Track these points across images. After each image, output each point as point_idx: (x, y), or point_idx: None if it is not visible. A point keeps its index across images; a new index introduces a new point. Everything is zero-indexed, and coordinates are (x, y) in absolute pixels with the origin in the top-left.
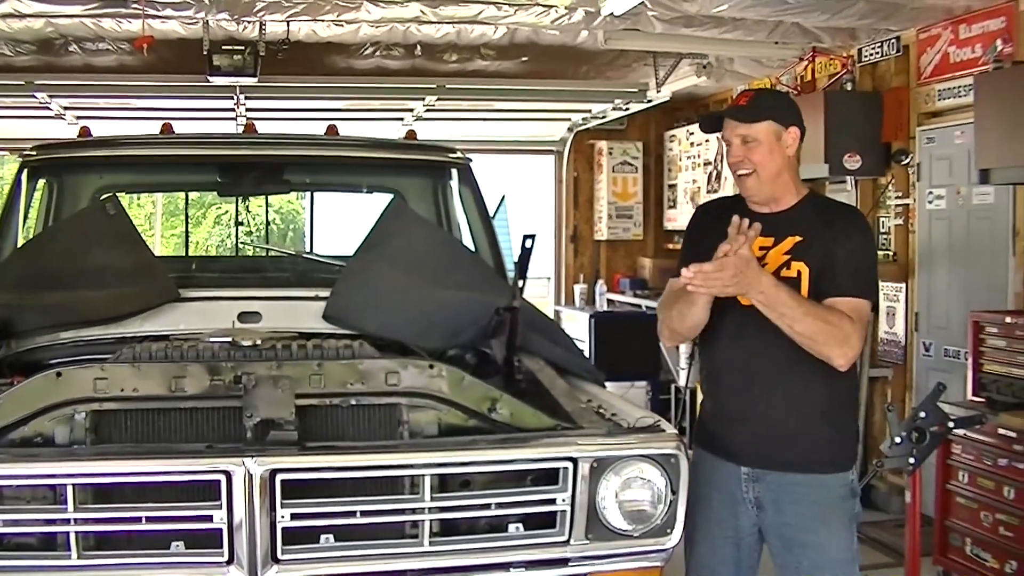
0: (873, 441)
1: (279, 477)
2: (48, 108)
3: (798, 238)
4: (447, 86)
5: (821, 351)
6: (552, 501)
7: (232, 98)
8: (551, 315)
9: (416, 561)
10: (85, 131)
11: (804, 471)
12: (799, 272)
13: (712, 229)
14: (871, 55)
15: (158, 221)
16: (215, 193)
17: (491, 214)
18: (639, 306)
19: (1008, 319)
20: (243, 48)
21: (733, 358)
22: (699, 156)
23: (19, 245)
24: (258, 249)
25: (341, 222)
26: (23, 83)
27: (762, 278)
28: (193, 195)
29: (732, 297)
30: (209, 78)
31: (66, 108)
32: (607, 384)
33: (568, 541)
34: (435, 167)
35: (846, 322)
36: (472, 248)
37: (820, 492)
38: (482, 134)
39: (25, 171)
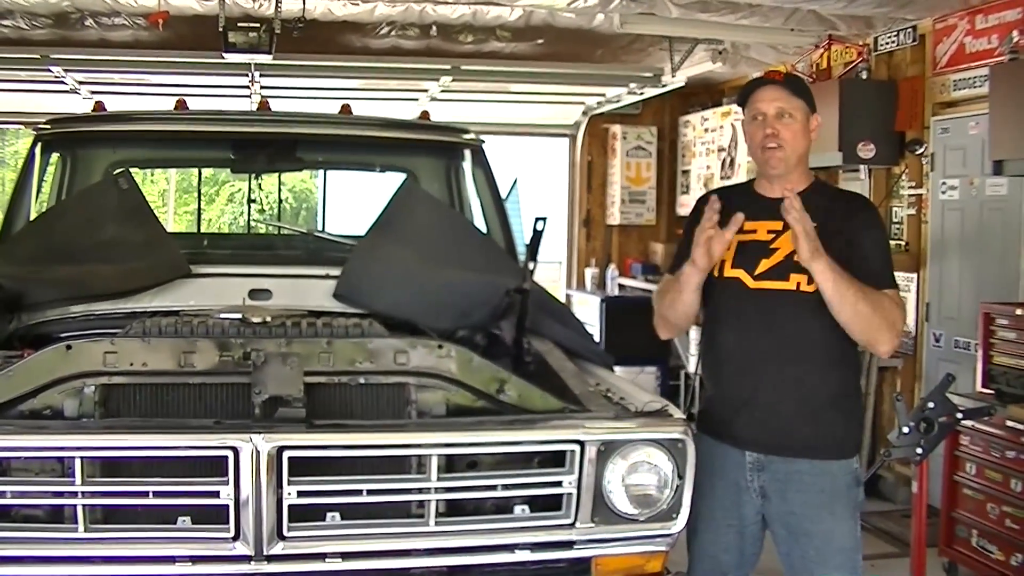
0: (881, 431)
1: (286, 454)
2: (63, 82)
3: (811, 224)
4: (462, 67)
5: (872, 335)
6: (558, 484)
7: (247, 76)
8: (562, 299)
9: (421, 541)
10: (99, 106)
11: (810, 458)
12: None
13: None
14: (887, 44)
15: (171, 198)
16: (228, 170)
17: (503, 196)
18: (650, 291)
19: (1019, 311)
20: (259, 26)
21: (738, 344)
22: (713, 142)
23: (32, 218)
24: (270, 227)
25: (353, 201)
26: (38, 57)
27: (825, 255)
28: (207, 172)
29: (737, 282)
30: (224, 55)
31: (81, 83)
32: (617, 368)
33: (574, 524)
34: (448, 148)
35: (895, 309)
36: (484, 230)
37: (825, 480)
38: (496, 116)
39: (39, 145)
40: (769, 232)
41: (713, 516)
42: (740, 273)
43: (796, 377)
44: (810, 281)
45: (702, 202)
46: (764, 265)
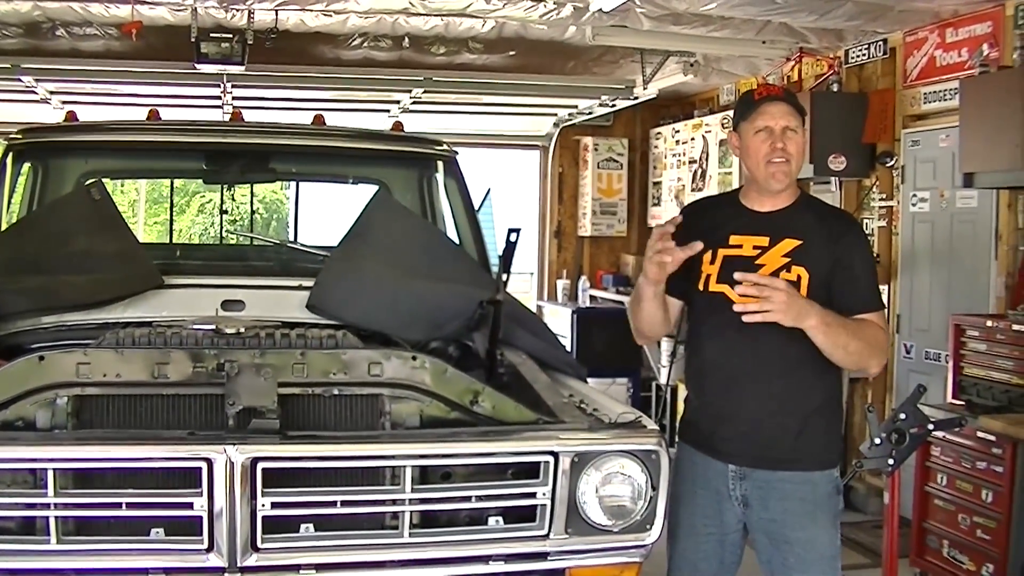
0: (853, 442)
1: (260, 465)
2: (34, 92)
3: (797, 241)
4: (434, 78)
5: (862, 364)
6: (532, 495)
7: (219, 86)
8: (534, 310)
9: (396, 552)
10: (71, 115)
11: (793, 469)
12: (799, 276)
13: (698, 220)
14: (858, 56)
15: (141, 208)
16: (200, 181)
17: (476, 207)
18: (621, 303)
19: (989, 323)
20: (231, 36)
21: (722, 358)
22: (684, 154)
23: (3, 228)
24: (242, 237)
25: (325, 212)
26: (9, 66)
27: (811, 307)
28: (177, 183)
29: (721, 297)
30: (196, 65)
31: (52, 92)
32: (589, 380)
33: (548, 535)
34: (421, 159)
35: (880, 333)
36: (456, 241)
37: (807, 489)
38: (468, 127)
39: (10, 154)
40: (755, 248)
41: (694, 524)
42: (725, 288)
43: (779, 391)
44: None
45: (687, 211)
46: None
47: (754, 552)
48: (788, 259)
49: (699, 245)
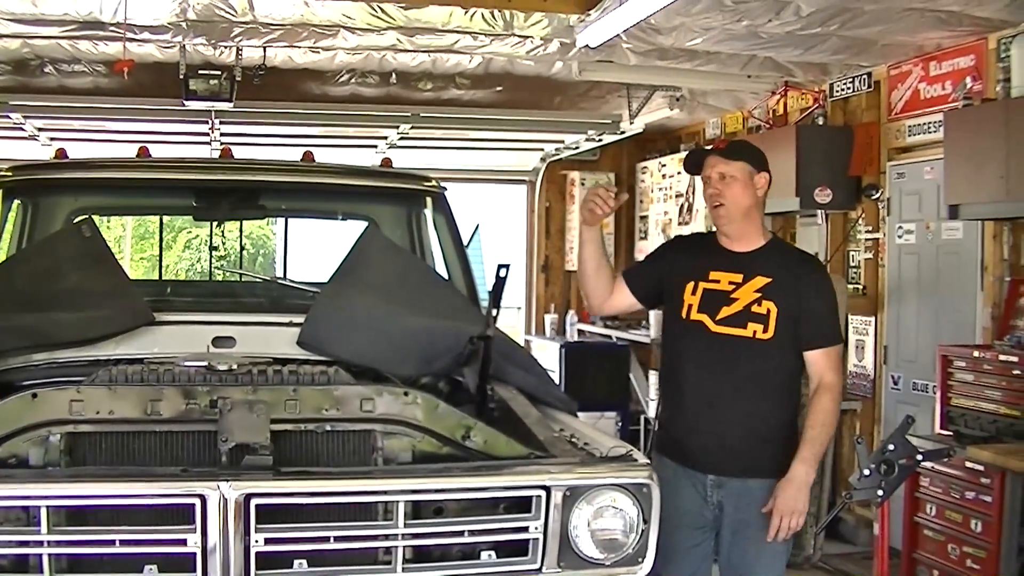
0: (842, 473)
1: (254, 502)
2: (22, 129)
3: (767, 279)
4: (421, 114)
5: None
6: (525, 529)
7: (207, 122)
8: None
9: None
10: (61, 152)
11: (763, 476)
12: (768, 310)
13: (681, 255)
14: (842, 90)
15: (127, 244)
16: (189, 217)
17: (465, 243)
18: (610, 337)
19: (976, 353)
20: (219, 73)
21: (701, 380)
22: (671, 188)
23: None
24: (232, 274)
25: (314, 248)
26: None
27: (803, 475)
28: (165, 219)
29: (700, 325)
30: (185, 102)
31: (40, 129)
32: (578, 414)
33: (540, 569)
34: (410, 195)
35: (836, 389)
36: (446, 276)
37: (771, 494)
38: (456, 163)
39: (0, 192)
40: (730, 283)
41: (680, 524)
42: (703, 317)
43: (751, 410)
44: (765, 330)
45: (677, 240)
46: (725, 312)
47: (715, 550)
48: (759, 294)
49: (625, 196)
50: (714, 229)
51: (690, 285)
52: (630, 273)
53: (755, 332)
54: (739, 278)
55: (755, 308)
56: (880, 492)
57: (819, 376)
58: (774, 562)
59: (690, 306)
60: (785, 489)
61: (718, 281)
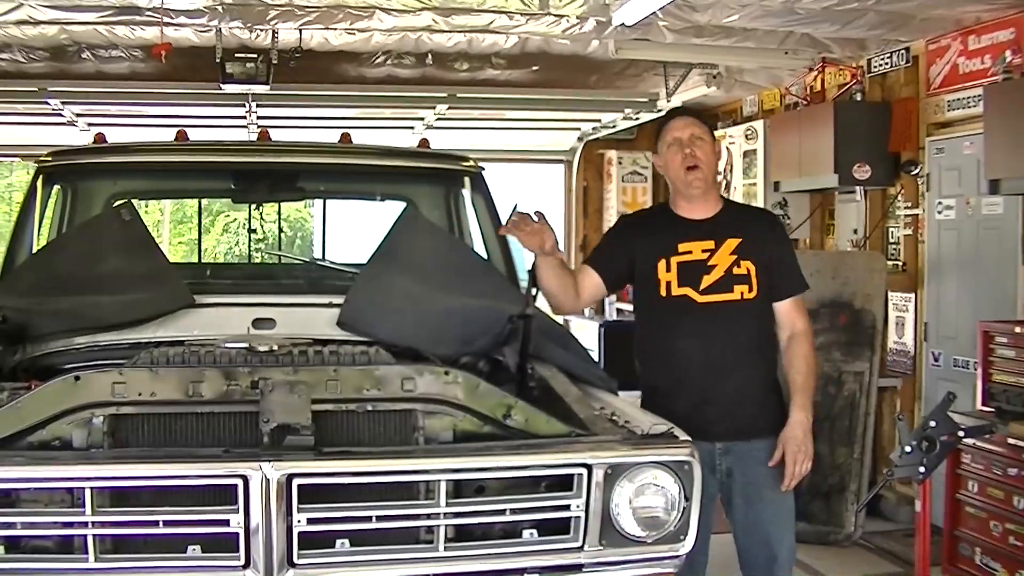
0: (882, 451)
1: (296, 482)
2: (61, 115)
3: (738, 239)
4: (458, 95)
5: None
6: (566, 507)
7: (244, 106)
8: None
9: (431, 566)
10: (100, 137)
11: (764, 437)
12: (748, 269)
13: (641, 234)
14: (880, 65)
15: (166, 228)
16: (226, 200)
17: (503, 222)
18: None
19: (1017, 329)
20: (255, 56)
21: (697, 352)
22: None
23: (34, 250)
24: (271, 256)
25: (351, 230)
26: (36, 89)
27: (804, 420)
28: (202, 203)
29: (686, 299)
30: (221, 86)
31: (78, 115)
32: (618, 393)
33: (582, 547)
34: (448, 175)
35: (810, 333)
36: (485, 256)
37: (773, 453)
38: (492, 143)
39: (41, 177)
40: (704, 251)
41: None
42: (687, 291)
43: (748, 373)
44: (751, 289)
45: (622, 220)
46: (707, 281)
47: (727, 517)
48: (735, 256)
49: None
50: (659, 203)
51: (662, 263)
52: (597, 262)
53: (742, 293)
54: (711, 244)
55: (736, 270)
56: (921, 469)
57: (791, 324)
58: (789, 519)
59: (668, 283)
60: (792, 437)
61: (690, 252)
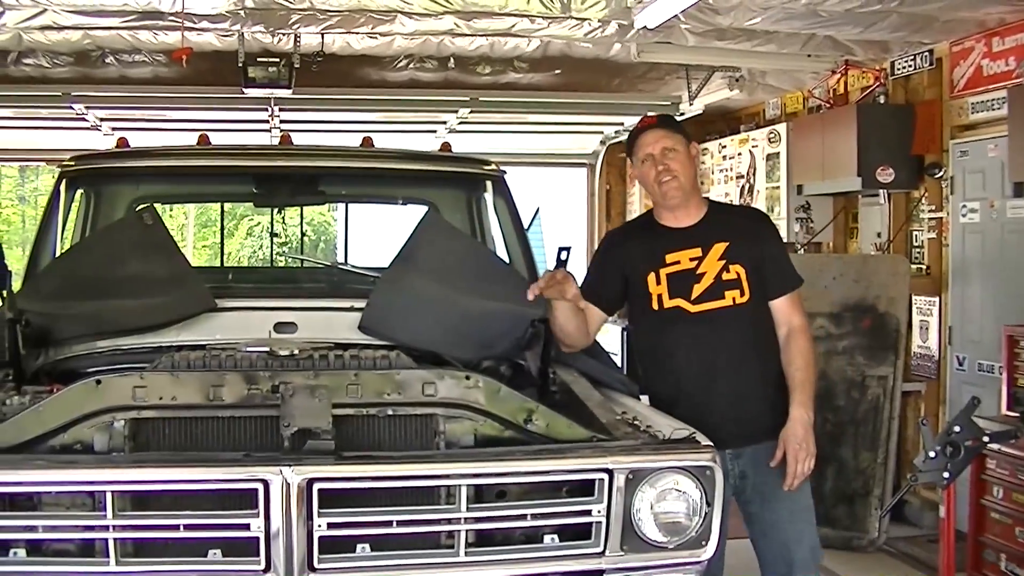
0: (906, 456)
1: (316, 486)
2: (84, 119)
3: (725, 243)
4: (480, 98)
5: None
6: (588, 512)
7: (266, 110)
8: None
9: (452, 571)
10: (123, 142)
11: (773, 437)
12: (738, 274)
13: (627, 249)
14: (904, 68)
15: (190, 232)
16: (250, 204)
17: (525, 226)
18: None
19: None
20: (278, 60)
21: (696, 361)
22: (731, 169)
23: (57, 254)
24: (292, 260)
25: (374, 233)
26: (60, 94)
27: (805, 417)
28: (226, 206)
29: (679, 310)
30: (244, 90)
31: (102, 119)
32: (641, 397)
33: (603, 552)
34: (470, 179)
35: (807, 329)
36: (507, 260)
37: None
38: (515, 147)
39: (64, 181)
40: (691, 260)
41: None
42: (679, 302)
43: (748, 377)
44: (742, 293)
45: (608, 243)
46: (698, 290)
47: (744, 521)
48: (724, 260)
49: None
50: (643, 212)
51: (651, 276)
52: (590, 296)
53: (733, 299)
54: (698, 252)
55: (725, 276)
56: (946, 474)
57: (787, 320)
58: (807, 518)
59: (659, 296)
60: (792, 435)
61: (678, 262)
